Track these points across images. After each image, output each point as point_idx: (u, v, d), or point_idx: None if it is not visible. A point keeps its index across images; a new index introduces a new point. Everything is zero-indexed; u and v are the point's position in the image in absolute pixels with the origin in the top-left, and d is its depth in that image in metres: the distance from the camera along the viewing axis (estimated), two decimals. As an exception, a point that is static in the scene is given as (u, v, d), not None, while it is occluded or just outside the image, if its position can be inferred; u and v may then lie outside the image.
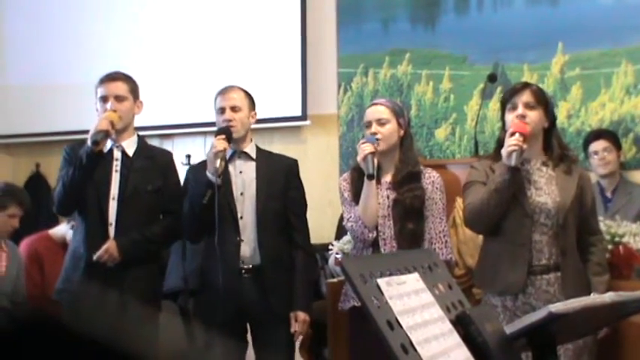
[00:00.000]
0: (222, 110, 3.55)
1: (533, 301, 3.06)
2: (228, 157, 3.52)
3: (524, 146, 3.02)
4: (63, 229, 4.66)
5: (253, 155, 3.59)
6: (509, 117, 3.13)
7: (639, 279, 3.58)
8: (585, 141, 4.80)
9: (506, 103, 3.18)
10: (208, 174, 3.36)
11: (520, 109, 3.10)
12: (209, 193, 3.34)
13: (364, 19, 5.69)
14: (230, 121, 3.51)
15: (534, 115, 3.11)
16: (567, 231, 3.10)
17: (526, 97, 3.12)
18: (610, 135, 4.76)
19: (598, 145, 4.66)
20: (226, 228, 3.43)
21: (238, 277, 3.44)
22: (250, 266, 3.46)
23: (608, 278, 3.25)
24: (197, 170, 3.57)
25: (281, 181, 3.55)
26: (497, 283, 3.13)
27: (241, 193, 3.52)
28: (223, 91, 3.61)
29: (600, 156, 4.63)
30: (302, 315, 3.47)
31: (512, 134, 3.03)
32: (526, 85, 3.21)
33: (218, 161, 3.32)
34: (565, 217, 3.09)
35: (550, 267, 3.08)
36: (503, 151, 3.04)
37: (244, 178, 3.54)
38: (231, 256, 3.44)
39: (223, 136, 3.41)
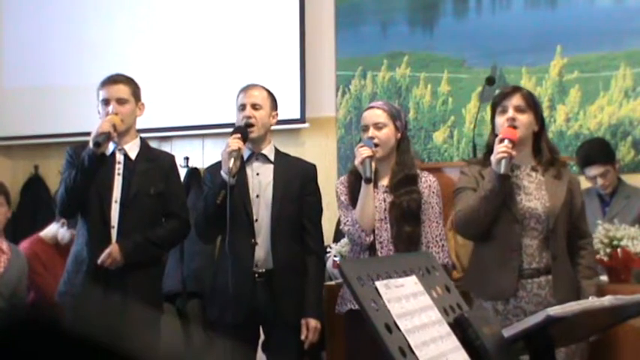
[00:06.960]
0: (242, 107, 3.51)
1: (525, 304, 3.07)
2: (245, 158, 3.49)
3: (514, 153, 3.02)
4: (53, 229, 4.63)
5: (271, 158, 3.55)
6: (500, 120, 3.14)
7: (638, 282, 3.59)
8: (578, 157, 4.56)
9: (496, 107, 3.18)
10: (222, 174, 3.31)
11: (510, 112, 3.11)
12: (222, 193, 3.28)
13: (362, 22, 5.70)
14: (250, 118, 3.47)
15: (524, 119, 3.11)
16: (558, 235, 3.11)
17: (516, 100, 3.13)
18: (602, 155, 4.50)
19: (594, 171, 4.46)
20: (241, 230, 3.39)
21: (251, 280, 3.40)
22: (263, 270, 3.42)
23: (598, 281, 3.26)
24: (214, 170, 3.50)
25: (297, 186, 3.50)
26: (488, 288, 3.13)
27: (257, 196, 3.47)
28: (246, 88, 3.58)
29: (600, 183, 4.45)
30: (313, 322, 3.42)
31: (502, 141, 3.03)
32: (516, 89, 3.22)
33: (232, 161, 3.25)
34: (555, 221, 3.09)
35: (540, 270, 3.09)
36: (493, 158, 3.03)
37: (261, 180, 3.50)
38: (245, 258, 3.40)
39: (239, 135, 3.35)
